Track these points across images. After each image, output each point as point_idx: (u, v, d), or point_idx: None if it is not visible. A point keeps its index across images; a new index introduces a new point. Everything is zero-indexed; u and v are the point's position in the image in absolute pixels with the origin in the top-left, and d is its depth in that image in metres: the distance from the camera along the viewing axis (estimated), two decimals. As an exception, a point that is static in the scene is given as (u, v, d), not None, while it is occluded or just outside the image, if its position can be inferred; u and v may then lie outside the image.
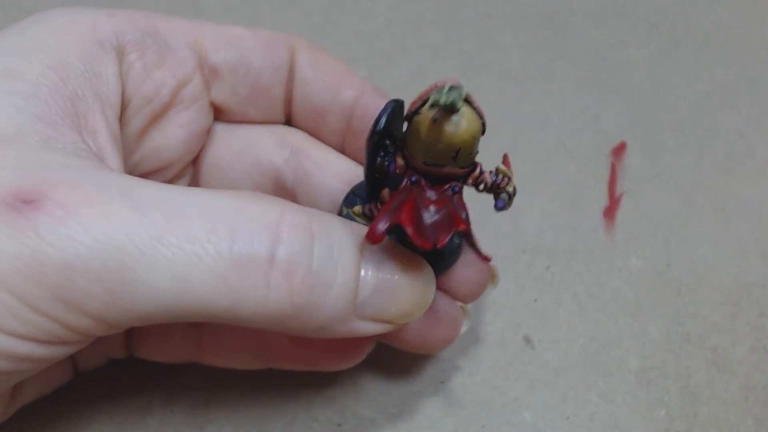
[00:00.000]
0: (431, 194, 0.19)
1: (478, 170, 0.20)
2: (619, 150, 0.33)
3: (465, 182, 0.20)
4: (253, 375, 0.26)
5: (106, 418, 0.25)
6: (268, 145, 0.25)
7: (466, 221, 0.20)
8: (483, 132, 0.19)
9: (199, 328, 0.24)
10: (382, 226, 0.18)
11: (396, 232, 0.18)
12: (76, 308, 0.17)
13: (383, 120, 0.19)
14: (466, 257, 0.24)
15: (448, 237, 0.19)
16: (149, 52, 0.22)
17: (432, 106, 0.18)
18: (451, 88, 0.18)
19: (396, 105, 0.20)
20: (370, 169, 0.20)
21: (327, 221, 0.19)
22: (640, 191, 0.32)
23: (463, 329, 0.25)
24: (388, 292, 0.20)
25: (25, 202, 0.17)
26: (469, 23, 0.39)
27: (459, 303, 0.24)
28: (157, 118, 0.23)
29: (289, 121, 0.26)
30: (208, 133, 0.25)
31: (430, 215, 0.19)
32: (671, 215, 0.31)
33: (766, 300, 0.29)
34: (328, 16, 0.39)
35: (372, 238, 0.18)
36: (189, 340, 0.24)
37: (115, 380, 0.26)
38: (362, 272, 0.19)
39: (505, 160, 0.21)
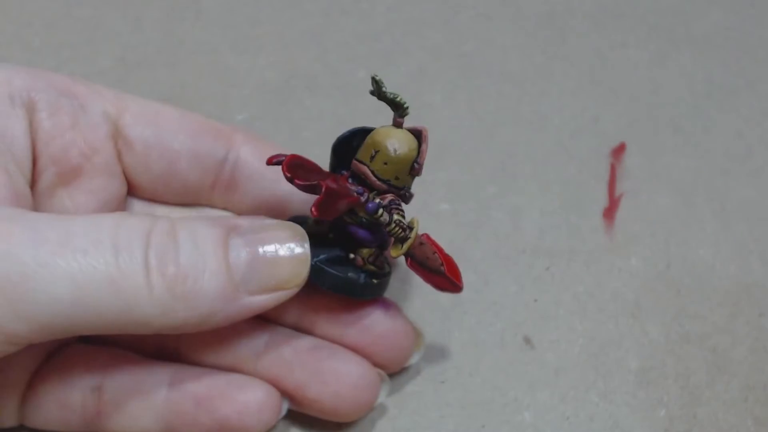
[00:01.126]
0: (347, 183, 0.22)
1: (390, 196, 0.22)
2: (619, 151, 0.33)
3: (372, 197, 0.22)
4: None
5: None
6: None
7: (369, 207, 0.22)
8: (412, 167, 0.22)
9: (100, 390, 0.23)
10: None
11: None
12: None
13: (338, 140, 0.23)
14: (391, 322, 0.24)
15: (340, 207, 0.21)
16: (61, 113, 0.22)
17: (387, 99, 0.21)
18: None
19: (343, 137, 0.23)
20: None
21: (191, 223, 0.20)
22: (639, 192, 0.32)
23: (381, 397, 0.24)
24: (263, 261, 0.21)
25: None
26: (469, 24, 0.39)
27: (378, 369, 0.24)
28: (66, 180, 0.23)
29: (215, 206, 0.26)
30: (122, 205, 0.24)
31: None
32: (671, 216, 0.32)
33: (766, 300, 0.29)
34: (328, 17, 0.39)
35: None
36: (87, 403, 0.23)
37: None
38: (232, 252, 0.20)
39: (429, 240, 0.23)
